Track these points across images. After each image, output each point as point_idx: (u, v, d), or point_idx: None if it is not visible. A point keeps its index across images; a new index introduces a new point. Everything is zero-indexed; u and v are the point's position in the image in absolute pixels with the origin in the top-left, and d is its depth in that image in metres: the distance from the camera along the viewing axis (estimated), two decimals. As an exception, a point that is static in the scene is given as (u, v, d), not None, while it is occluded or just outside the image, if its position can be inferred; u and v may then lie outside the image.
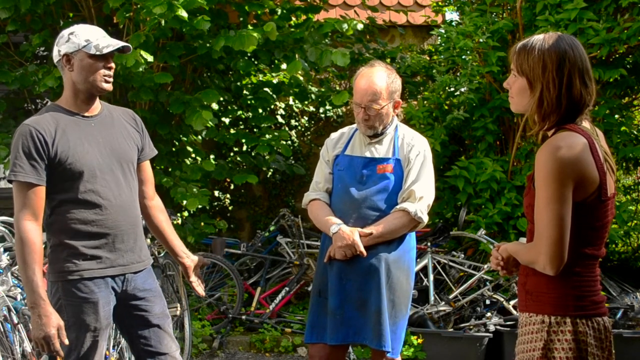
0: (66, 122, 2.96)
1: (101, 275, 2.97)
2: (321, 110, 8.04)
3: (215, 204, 7.69)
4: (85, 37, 2.95)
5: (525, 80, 2.30)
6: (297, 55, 6.09)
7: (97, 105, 3.08)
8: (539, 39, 2.31)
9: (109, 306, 3.00)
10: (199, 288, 3.28)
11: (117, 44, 2.98)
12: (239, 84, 6.90)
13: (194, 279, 3.27)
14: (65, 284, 2.94)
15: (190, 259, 3.27)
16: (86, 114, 3.02)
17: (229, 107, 7.08)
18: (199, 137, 6.74)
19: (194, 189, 5.96)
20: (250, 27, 6.40)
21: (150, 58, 5.39)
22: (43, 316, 2.79)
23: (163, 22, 5.43)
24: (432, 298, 5.83)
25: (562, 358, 2.25)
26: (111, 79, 3.02)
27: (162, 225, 3.27)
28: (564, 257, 2.20)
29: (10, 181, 2.89)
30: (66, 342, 2.83)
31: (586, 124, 2.32)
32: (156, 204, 3.28)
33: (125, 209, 3.03)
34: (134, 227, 3.07)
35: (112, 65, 3.01)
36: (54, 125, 2.92)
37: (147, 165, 3.24)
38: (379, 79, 3.52)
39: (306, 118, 8.11)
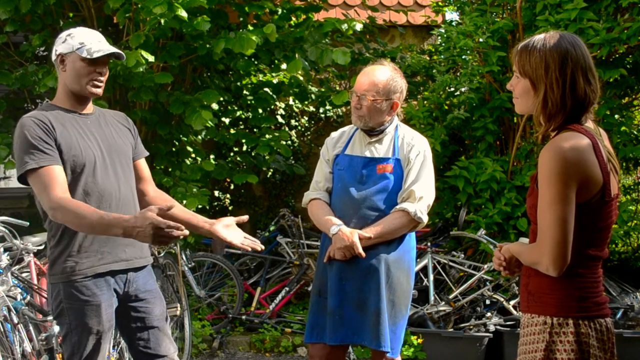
0: (64, 118, 2.97)
1: (104, 271, 2.95)
2: (321, 110, 8.04)
3: (215, 204, 7.69)
4: (81, 39, 2.97)
5: (528, 82, 2.29)
6: (297, 55, 6.09)
7: (90, 107, 3.11)
8: (540, 39, 2.30)
9: (112, 308, 2.99)
10: (248, 244, 3.08)
11: (109, 49, 2.98)
12: (239, 84, 6.90)
13: (231, 238, 3.07)
14: (66, 286, 2.92)
15: (214, 225, 3.10)
16: (81, 112, 3.04)
17: (229, 107, 7.08)
18: (199, 137, 6.74)
19: (194, 189, 5.96)
20: (250, 27, 6.40)
21: (151, 58, 5.39)
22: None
23: (163, 22, 5.43)
24: (432, 298, 5.82)
25: (564, 359, 2.25)
26: (102, 84, 3.01)
27: (173, 209, 3.20)
28: (567, 258, 2.20)
29: (24, 178, 2.83)
30: None
31: (590, 124, 2.31)
32: (160, 194, 3.26)
33: (126, 203, 3.03)
34: None
35: (105, 70, 3.01)
36: (53, 119, 2.93)
37: (143, 163, 3.25)
38: (380, 74, 3.56)
39: (306, 118, 8.11)
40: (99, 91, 3.01)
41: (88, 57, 2.93)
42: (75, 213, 2.72)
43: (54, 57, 3.03)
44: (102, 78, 3.00)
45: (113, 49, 2.99)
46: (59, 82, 3.04)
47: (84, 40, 2.96)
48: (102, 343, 2.97)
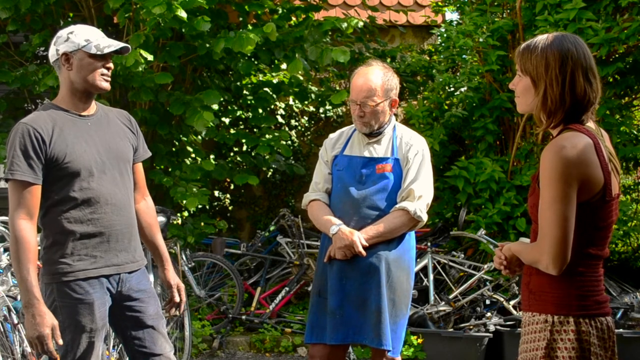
0: (63, 121, 2.96)
1: (95, 275, 2.96)
2: (321, 110, 8.03)
3: (215, 204, 7.69)
4: (85, 36, 2.97)
5: (529, 79, 2.32)
6: (297, 55, 6.09)
7: (93, 106, 3.09)
8: (542, 38, 2.32)
9: (105, 307, 2.99)
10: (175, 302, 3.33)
11: (118, 44, 3.00)
12: (239, 84, 6.90)
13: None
14: (59, 285, 2.93)
15: (168, 282, 3.30)
16: (83, 113, 3.03)
17: (229, 107, 7.08)
18: (199, 137, 6.75)
19: (194, 189, 5.96)
20: (250, 27, 6.40)
21: (150, 57, 5.39)
22: (37, 316, 2.79)
23: (162, 22, 5.43)
24: (432, 298, 5.83)
25: (564, 357, 2.25)
26: (109, 79, 3.04)
27: (148, 231, 3.25)
28: (567, 257, 2.20)
29: (7, 180, 2.89)
30: (60, 342, 2.83)
31: (591, 124, 2.33)
32: (143, 207, 3.24)
33: (121, 208, 3.02)
34: (129, 227, 3.06)
35: (111, 65, 3.03)
36: (51, 123, 2.92)
37: (139, 168, 3.23)
38: (375, 76, 3.54)
39: (306, 118, 8.11)
40: (108, 85, 3.03)
41: (98, 53, 2.94)
42: (18, 245, 2.82)
43: (54, 57, 3.01)
44: (109, 73, 3.02)
45: (121, 44, 3.02)
46: (62, 81, 3.03)
47: (89, 37, 2.97)
48: (96, 342, 2.97)
